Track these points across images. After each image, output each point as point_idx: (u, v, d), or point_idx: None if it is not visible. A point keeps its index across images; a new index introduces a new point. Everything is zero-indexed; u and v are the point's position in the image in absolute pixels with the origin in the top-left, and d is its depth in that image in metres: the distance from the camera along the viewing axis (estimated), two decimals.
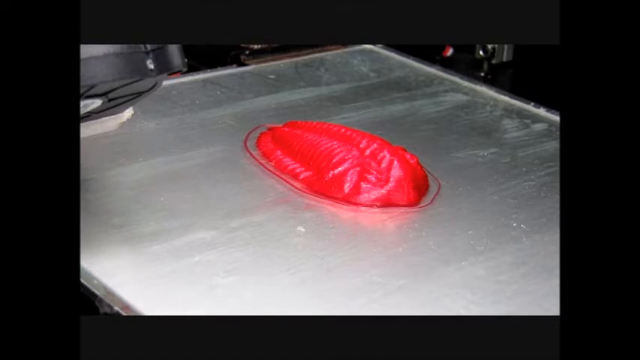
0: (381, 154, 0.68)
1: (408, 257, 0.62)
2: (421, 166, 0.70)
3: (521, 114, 0.84)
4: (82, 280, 0.57)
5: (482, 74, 1.00)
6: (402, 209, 0.67)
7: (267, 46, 0.93)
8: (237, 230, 0.64)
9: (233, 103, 0.84)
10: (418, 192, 0.68)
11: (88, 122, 0.63)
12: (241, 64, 0.91)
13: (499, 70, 1.01)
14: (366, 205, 0.67)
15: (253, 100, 0.85)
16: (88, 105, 0.59)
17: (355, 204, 0.67)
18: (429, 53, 0.99)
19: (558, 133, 0.80)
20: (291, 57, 0.94)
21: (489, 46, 1.00)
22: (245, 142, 0.76)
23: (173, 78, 0.86)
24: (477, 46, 1.00)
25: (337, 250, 0.62)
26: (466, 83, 0.90)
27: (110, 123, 0.65)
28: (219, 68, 0.91)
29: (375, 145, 0.69)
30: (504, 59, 1.01)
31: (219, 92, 0.86)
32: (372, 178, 0.67)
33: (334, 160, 0.69)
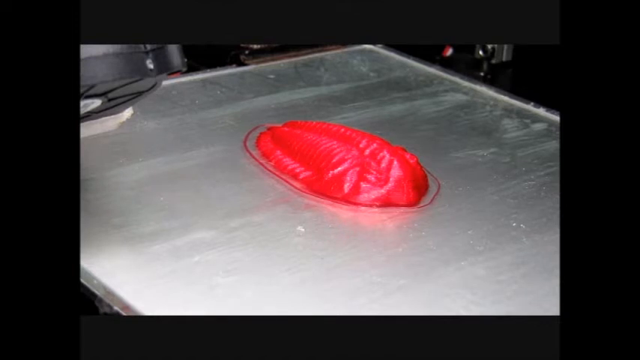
0: (381, 154, 0.68)
1: (407, 257, 0.62)
2: (421, 166, 0.70)
3: (520, 114, 0.84)
4: (82, 280, 0.57)
5: (482, 74, 1.00)
6: (402, 209, 0.67)
7: (266, 46, 0.93)
8: (237, 230, 0.64)
9: (233, 103, 0.84)
10: (418, 192, 0.68)
11: (88, 122, 0.63)
12: (241, 64, 0.91)
13: (499, 70, 1.01)
14: (365, 205, 0.67)
15: (253, 100, 0.85)
16: (87, 105, 0.59)
17: (355, 204, 0.67)
18: (428, 53, 0.99)
19: (558, 133, 0.80)
20: (291, 57, 0.94)
21: (489, 46, 1.00)
22: (245, 142, 0.76)
23: (173, 78, 0.86)
24: (477, 46, 1.00)
25: (337, 250, 0.62)
26: (466, 83, 0.90)
27: (110, 123, 0.65)
28: (218, 68, 0.91)
29: (374, 145, 0.69)
30: (504, 59, 1.01)
31: (219, 92, 0.86)
32: (371, 178, 0.67)
33: (334, 160, 0.69)
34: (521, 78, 1.00)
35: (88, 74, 0.53)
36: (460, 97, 0.87)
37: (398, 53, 0.96)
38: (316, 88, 0.88)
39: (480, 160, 0.75)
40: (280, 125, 0.77)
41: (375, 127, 0.78)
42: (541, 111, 0.84)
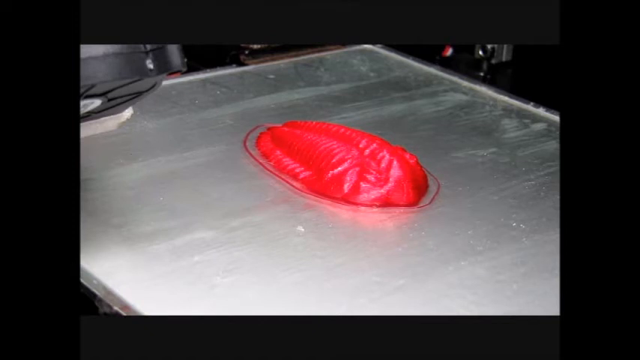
0: (381, 154, 0.68)
1: (407, 257, 0.62)
2: (421, 166, 0.70)
3: (520, 114, 0.84)
4: (81, 280, 0.57)
5: (482, 74, 1.00)
6: (402, 209, 0.67)
7: (266, 46, 0.93)
8: (237, 230, 0.64)
9: (233, 103, 0.84)
10: (418, 192, 0.68)
11: (88, 122, 0.63)
12: (241, 63, 0.91)
13: (498, 70, 1.01)
14: (365, 205, 0.67)
15: (253, 100, 0.85)
16: (87, 105, 0.59)
17: (355, 204, 0.67)
18: (428, 53, 0.99)
19: (558, 132, 0.80)
20: (291, 57, 0.94)
21: (489, 46, 1.00)
22: (245, 142, 0.76)
23: (173, 78, 0.86)
24: (477, 46, 1.00)
25: (337, 250, 0.62)
26: (465, 83, 0.90)
27: (110, 123, 0.65)
28: (218, 68, 0.91)
29: (374, 144, 0.69)
30: (504, 59, 1.01)
31: (218, 92, 0.86)
32: (371, 178, 0.67)
33: (334, 160, 0.69)
34: (521, 78, 1.00)
35: (88, 74, 0.53)
36: (460, 97, 0.87)
37: (398, 53, 0.96)
38: (316, 88, 0.88)
39: (479, 160, 0.75)
40: (280, 125, 0.77)
41: (375, 127, 0.78)
42: (541, 111, 0.84)
